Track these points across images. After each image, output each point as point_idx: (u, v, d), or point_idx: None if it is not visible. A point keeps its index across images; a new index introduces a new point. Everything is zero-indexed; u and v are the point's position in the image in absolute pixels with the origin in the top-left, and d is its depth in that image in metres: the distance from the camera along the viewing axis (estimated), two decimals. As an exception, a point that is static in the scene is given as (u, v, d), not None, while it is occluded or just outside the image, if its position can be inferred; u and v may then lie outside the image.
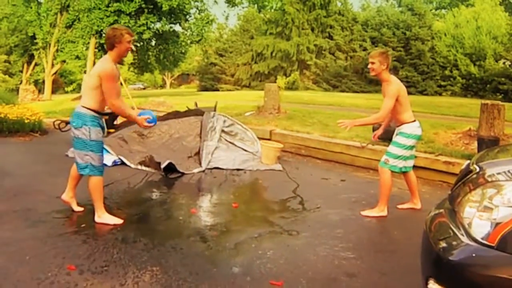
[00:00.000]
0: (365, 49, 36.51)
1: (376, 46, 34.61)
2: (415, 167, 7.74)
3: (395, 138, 5.64)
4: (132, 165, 7.93)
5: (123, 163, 8.03)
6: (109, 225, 4.97)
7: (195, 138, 8.86)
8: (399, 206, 5.96)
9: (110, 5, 28.59)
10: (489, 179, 2.61)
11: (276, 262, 4.15)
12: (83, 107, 4.93)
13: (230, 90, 41.69)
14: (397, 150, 5.57)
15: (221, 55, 48.68)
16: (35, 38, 33.50)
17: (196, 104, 11.07)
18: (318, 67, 39.13)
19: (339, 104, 17.34)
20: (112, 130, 9.67)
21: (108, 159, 7.98)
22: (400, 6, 46.87)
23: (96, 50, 30.79)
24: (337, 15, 41.06)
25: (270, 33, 42.28)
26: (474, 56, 32.04)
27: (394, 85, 5.48)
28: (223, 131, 9.02)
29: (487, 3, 35.93)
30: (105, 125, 5.32)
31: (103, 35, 30.14)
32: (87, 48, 30.51)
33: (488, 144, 7.49)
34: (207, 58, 50.71)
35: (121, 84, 16.05)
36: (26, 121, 11.15)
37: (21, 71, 40.45)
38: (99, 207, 5.10)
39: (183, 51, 36.90)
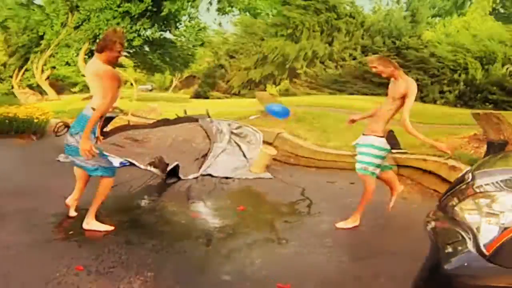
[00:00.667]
0: (354, 58, 36.19)
1: (366, 55, 34.17)
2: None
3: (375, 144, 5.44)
4: (142, 166, 7.88)
5: (131, 164, 8.02)
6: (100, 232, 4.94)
7: (204, 140, 8.84)
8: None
9: (121, 5, 28.59)
10: (477, 190, 2.67)
11: (275, 267, 4.25)
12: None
13: (219, 98, 41.00)
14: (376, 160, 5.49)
15: (231, 57, 48.28)
16: (43, 39, 33.28)
17: (185, 112, 11.14)
18: (308, 75, 38.62)
19: (348, 107, 17.07)
20: (101, 137, 9.54)
21: (115, 161, 8.00)
22: (407, 10, 46.70)
23: (86, 56, 30.43)
24: (348, 18, 40.55)
25: (281, 35, 41.74)
26: (485, 59, 31.74)
27: (414, 89, 5.25)
28: (232, 133, 8.99)
29: (478, 13, 35.87)
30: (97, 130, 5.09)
31: (97, 40, 30.00)
32: (77, 55, 30.47)
33: (497, 148, 7.43)
34: (218, 59, 50.33)
35: (132, 84, 15.99)
36: (35, 120, 11.22)
37: (11, 77, 39.73)
38: (92, 212, 4.96)
39: (189, 53, 36.84)
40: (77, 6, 30.90)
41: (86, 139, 4.63)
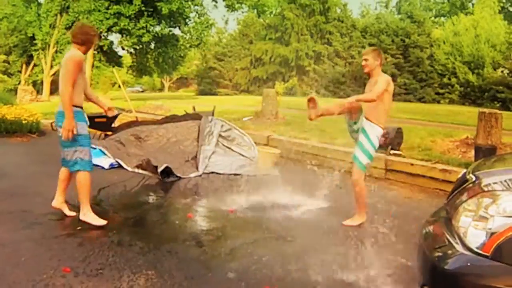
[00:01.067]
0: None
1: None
2: (411, 174, 7.76)
3: (371, 137, 5.39)
4: (129, 168, 7.92)
5: (120, 166, 8.02)
6: (99, 226, 4.98)
7: (192, 142, 8.85)
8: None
9: (110, 7, 28.64)
10: (485, 189, 2.61)
11: (272, 268, 4.15)
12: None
13: (228, 94, 41.73)
14: (371, 149, 5.44)
15: (220, 60, 48.75)
16: (35, 39, 33.47)
17: (194, 108, 11.08)
18: (317, 73, 39.14)
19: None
20: (109, 133, 9.68)
21: (105, 162, 7.99)
22: (399, 13, 47.07)
23: (95, 52, 30.78)
24: (337, 21, 41.13)
25: (269, 38, 42.35)
26: (473, 64, 32.14)
27: (386, 77, 5.37)
28: (220, 135, 9.01)
29: (486, 12, 36.07)
30: (87, 119, 5.31)
31: (102, 37, 30.09)
32: (86, 51, 30.55)
33: (485, 153, 7.49)
34: (206, 62, 50.85)
35: (119, 86, 16.12)
36: (24, 121, 11.17)
37: (20, 72, 40.38)
38: (85, 204, 5.09)
39: (182, 54, 36.95)
40: (68, 7, 30.93)
41: (68, 120, 4.84)
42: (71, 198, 5.45)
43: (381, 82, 5.26)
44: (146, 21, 29.57)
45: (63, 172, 5.26)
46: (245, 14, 51.31)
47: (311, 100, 5.43)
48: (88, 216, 5.07)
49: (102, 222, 5.03)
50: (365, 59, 5.48)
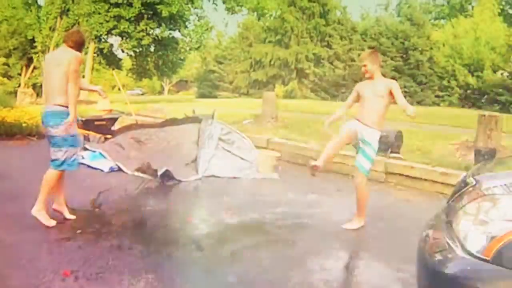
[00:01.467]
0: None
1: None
2: (411, 177, 7.76)
3: (373, 143, 5.41)
4: (129, 172, 7.91)
5: (120, 169, 8.01)
6: (95, 229, 4.97)
7: (192, 145, 8.84)
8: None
9: (110, 10, 28.66)
10: (486, 192, 2.60)
11: (272, 271, 4.14)
12: (59, 105, 4.93)
13: (228, 97, 41.65)
14: (373, 154, 5.47)
15: (220, 62, 48.74)
16: (35, 42, 33.49)
17: (194, 112, 11.07)
18: (317, 76, 39.11)
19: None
20: (109, 136, 9.68)
21: (105, 165, 7.99)
22: (399, 16, 47.04)
23: (95, 55, 30.77)
24: (336, 24, 41.12)
25: (269, 41, 42.32)
26: (472, 66, 32.15)
27: (395, 82, 5.41)
28: (220, 139, 9.00)
29: (486, 14, 36.10)
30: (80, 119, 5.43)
31: (102, 40, 30.07)
32: (86, 53, 30.58)
33: (485, 156, 7.50)
34: (206, 65, 50.88)
35: (119, 89, 16.10)
36: (23, 124, 11.16)
37: (20, 74, 40.32)
38: (42, 200, 5.07)
39: (182, 57, 36.96)
40: (68, 10, 30.96)
41: (72, 116, 4.89)
42: (70, 202, 5.45)
43: (398, 88, 5.30)
44: (146, 24, 29.61)
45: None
46: (245, 17, 51.30)
47: (315, 167, 5.46)
48: (41, 213, 5.05)
49: (51, 223, 5.02)
50: (364, 65, 5.50)
